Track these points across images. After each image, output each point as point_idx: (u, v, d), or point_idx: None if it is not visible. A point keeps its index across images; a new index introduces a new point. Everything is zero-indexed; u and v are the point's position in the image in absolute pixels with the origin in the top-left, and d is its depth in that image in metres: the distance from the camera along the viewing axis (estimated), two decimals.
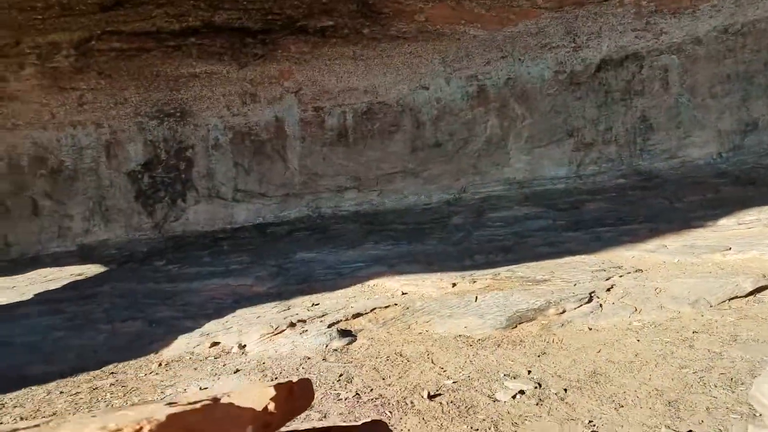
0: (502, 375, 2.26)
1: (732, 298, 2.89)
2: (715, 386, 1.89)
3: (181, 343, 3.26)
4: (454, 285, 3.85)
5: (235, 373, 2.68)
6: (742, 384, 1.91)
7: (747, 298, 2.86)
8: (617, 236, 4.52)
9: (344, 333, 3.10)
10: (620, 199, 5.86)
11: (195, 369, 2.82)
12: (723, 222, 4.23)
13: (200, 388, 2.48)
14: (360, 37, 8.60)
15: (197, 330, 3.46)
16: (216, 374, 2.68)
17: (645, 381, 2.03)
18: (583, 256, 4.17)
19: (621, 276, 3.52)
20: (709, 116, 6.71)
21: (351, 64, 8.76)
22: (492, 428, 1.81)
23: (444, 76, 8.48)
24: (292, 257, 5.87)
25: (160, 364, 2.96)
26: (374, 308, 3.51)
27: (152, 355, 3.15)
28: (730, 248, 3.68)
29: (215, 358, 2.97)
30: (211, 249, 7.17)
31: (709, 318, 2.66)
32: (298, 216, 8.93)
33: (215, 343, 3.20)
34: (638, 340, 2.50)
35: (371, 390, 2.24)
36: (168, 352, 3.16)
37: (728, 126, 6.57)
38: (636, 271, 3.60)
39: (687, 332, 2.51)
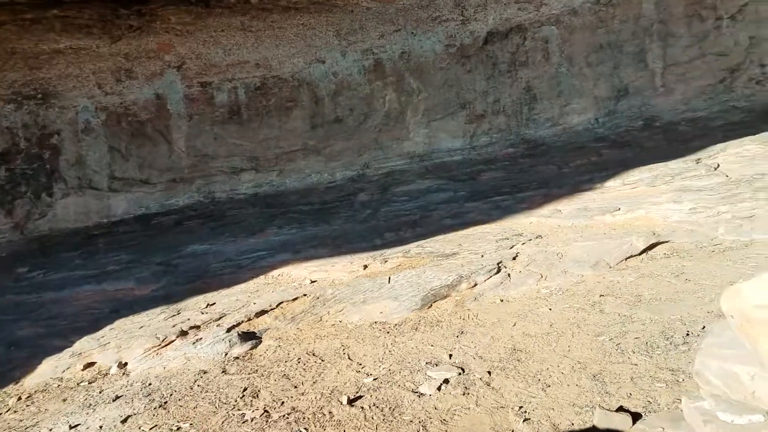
0: (424, 363, 2.14)
1: (628, 258, 3.05)
2: (633, 352, 1.91)
3: (48, 368, 2.74)
4: (365, 267, 3.68)
5: (114, 401, 2.27)
6: (658, 348, 1.94)
7: (641, 257, 3.03)
8: (515, 204, 4.64)
9: (246, 336, 2.79)
10: (512, 168, 6.06)
11: (64, 400, 2.37)
12: (610, 184, 4.50)
13: (70, 427, 2.05)
14: (248, 7, 7.94)
15: (67, 349, 2.93)
16: (90, 405, 2.27)
17: (565, 353, 2.01)
18: (485, 226, 4.23)
19: (523, 243, 3.59)
20: (586, 84, 7.15)
21: (240, 36, 8.10)
22: (421, 430, 1.67)
23: (339, 50, 8.15)
24: (182, 251, 5.27)
25: (19, 398, 2.45)
26: (280, 302, 3.22)
27: (10, 386, 2.61)
28: (619, 208, 3.92)
29: (90, 384, 2.53)
30: (83, 248, 6.26)
31: (611, 280, 2.76)
32: (187, 203, 8.18)
33: (89, 364, 2.73)
34: (550, 309, 2.51)
35: (282, 403, 2.00)
36: (31, 381, 2.63)
37: (603, 92, 7.06)
38: (536, 237, 3.69)
39: (594, 296, 2.58)
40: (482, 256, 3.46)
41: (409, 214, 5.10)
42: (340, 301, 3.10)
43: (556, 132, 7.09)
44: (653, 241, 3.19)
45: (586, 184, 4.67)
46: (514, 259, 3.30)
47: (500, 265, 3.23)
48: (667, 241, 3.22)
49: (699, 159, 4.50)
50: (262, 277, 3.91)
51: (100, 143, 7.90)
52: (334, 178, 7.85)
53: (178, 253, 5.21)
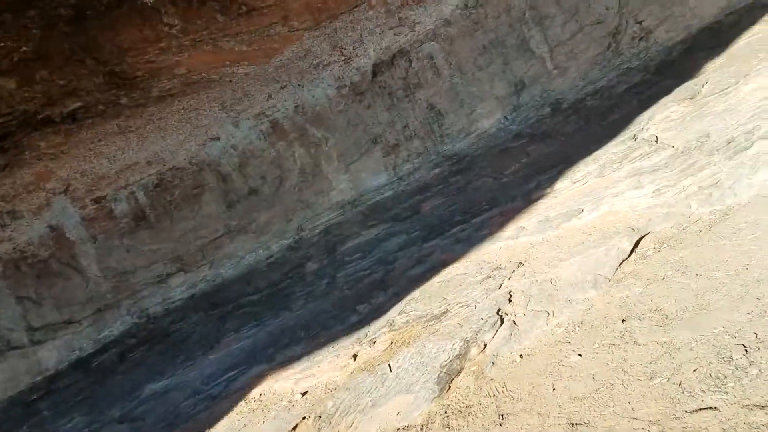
0: None
1: (621, 263, 2.82)
2: (703, 392, 1.62)
3: None
4: (355, 357, 3.26)
5: None
6: (726, 378, 1.65)
7: (633, 258, 2.81)
8: (475, 232, 4.39)
9: None
10: (449, 190, 5.83)
11: None
12: (559, 186, 4.31)
13: None
14: (120, 109, 7.43)
15: None
16: None
17: (630, 414, 1.68)
18: (457, 265, 3.95)
19: (509, 278, 3.33)
20: (483, 87, 7.10)
21: (120, 140, 7.53)
22: None
23: (231, 122, 7.73)
24: (140, 394, 4.61)
25: None
26: None
27: None
28: (582, 210, 3.71)
29: None
30: (27, 423, 5.42)
31: (620, 296, 2.53)
32: (123, 330, 7.44)
33: None
34: (580, 355, 2.23)
35: None
36: None
37: (502, 90, 7.03)
38: (518, 266, 3.43)
39: (616, 323, 2.32)
40: (476, 306, 3.19)
41: (370, 273, 4.73)
42: (346, 412, 2.69)
43: (472, 140, 6.97)
44: (636, 237, 3.03)
45: (535, 191, 4.48)
46: (510, 301, 3.06)
47: (500, 313, 2.99)
48: (648, 233, 3.03)
49: (634, 135, 4.40)
50: (242, 402, 3.40)
51: (4, 297, 7.06)
52: (271, 252, 7.35)
53: (137, 398, 4.55)
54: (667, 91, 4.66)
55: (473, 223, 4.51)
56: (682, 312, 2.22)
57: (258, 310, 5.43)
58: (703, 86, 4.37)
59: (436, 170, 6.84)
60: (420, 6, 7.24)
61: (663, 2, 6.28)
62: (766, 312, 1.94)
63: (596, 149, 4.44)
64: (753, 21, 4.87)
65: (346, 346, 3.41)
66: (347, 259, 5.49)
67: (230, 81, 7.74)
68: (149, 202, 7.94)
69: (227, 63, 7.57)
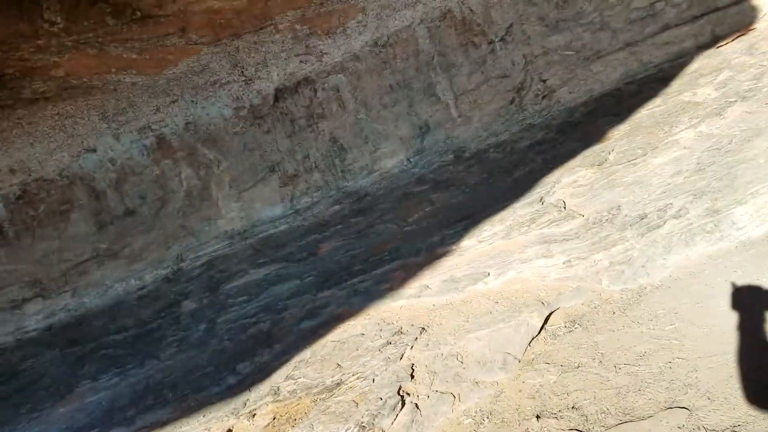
0: None
1: (531, 341, 2.53)
2: None
3: None
4: None
5: None
6: None
7: (543, 336, 2.54)
8: (374, 285, 4.04)
9: None
10: (348, 232, 5.44)
11: None
12: (465, 243, 4.08)
13: None
14: None
15: None
16: None
17: None
18: (353, 322, 3.61)
19: (411, 347, 3.05)
20: (387, 126, 6.90)
21: None
22: None
23: (111, 133, 6.92)
24: None
25: None
26: None
27: None
28: (489, 273, 3.50)
29: None
30: None
31: (532, 384, 2.28)
32: None
33: None
34: None
35: None
36: None
37: (406, 132, 6.86)
38: (420, 331, 3.13)
39: (529, 418, 2.00)
40: (374, 380, 2.89)
41: (255, 321, 4.21)
42: None
43: (375, 179, 6.69)
44: (546, 312, 2.84)
45: (440, 246, 4.22)
46: (412, 377, 2.79)
47: (401, 392, 2.72)
48: (558, 308, 2.78)
49: (541, 198, 4.27)
50: None
51: None
52: (143, 282, 6.53)
53: None
54: (572, 154, 4.64)
55: (374, 275, 4.19)
56: (603, 415, 2.06)
57: (121, 355, 4.71)
58: (609, 153, 4.38)
59: (336, 207, 6.47)
60: (329, 37, 6.97)
61: (567, 64, 6.46)
62: (699, 429, 1.74)
63: (502, 208, 4.28)
64: (653, 92, 5.01)
65: (220, 416, 2.92)
66: (230, 302, 4.91)
67: (114, 89, 6.97)
68: (9, 216, 6.87)
69: (113, 70, 6.81)
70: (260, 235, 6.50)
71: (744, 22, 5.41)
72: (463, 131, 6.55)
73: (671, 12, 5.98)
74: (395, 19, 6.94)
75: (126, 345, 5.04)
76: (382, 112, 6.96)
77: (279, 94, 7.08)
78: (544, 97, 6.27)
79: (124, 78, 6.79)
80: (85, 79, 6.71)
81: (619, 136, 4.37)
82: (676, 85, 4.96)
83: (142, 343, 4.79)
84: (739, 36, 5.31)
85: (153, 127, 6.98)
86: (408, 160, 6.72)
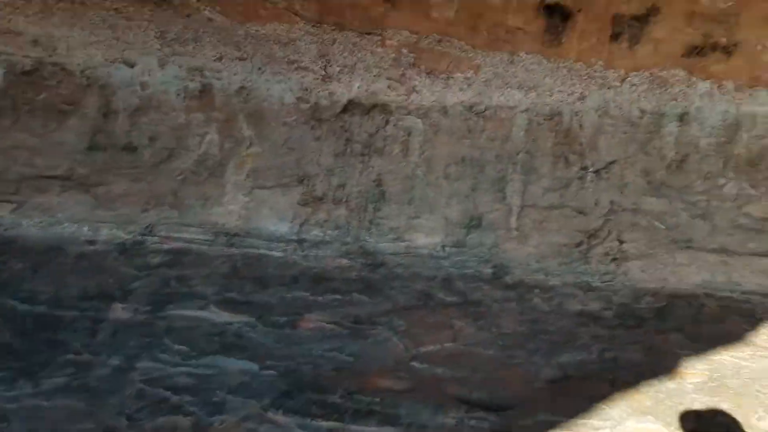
0: None
1: None
2: None
3: None
4: None
5: None
6: None
7: None
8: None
9: None
10: (344, 312, 4.52)
11: None
12: None
13: None
14: None
15: None
16: None
17: None
18: None
19: None
20: (440, 198, 6.15)
21: None
22: None
23: (158, 57, 6.05)
24: None
25: None
26: None
27: None
28: None
29: None
30: None
31: None
32: None
33: None
34: None
35: None
36: None
37: (455, 215, 6.11)
38: None
39: None
40: None
41: (177, 404, 3.11)
42: None
43: (399, 250, 5.92)
44: None
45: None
46: None
47: None
48: None
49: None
50: None
51: None
52: (95, 236, 5.64)
53: None
54: (636, 377, 3.59)
55: None
56: None
57: (12, 346, 3.66)
58: (681, 404, 3.47)
59: (344, 260, 5.67)
60: (429, 77, 6.21)
61: (652, 237, 5.83)
62: None
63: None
64: (738, 330, 4.34)
65: None
66: (164, 345, 3.75)
67: (188, 16, 6.11)
68: (4, 86, 5.90)
69: None
70: (248, 250, 5.66)
71: None
72: (514, 249, 5.82)
73: None
74: (502, 95, 6.20)
75: (21, 324, 3.97)
76: (441, 180, 6.20)
77: (349, 107, 6.28)
78: (614, 260, 5.58)
79: (204, 9, 5.94)
80: None
81: (696, 382, 3.68)
82: (766, 337, 4.30)
83: (35, 341, 3.70)
84: None
85: (206, 73, 6.12)
86: (443, 247, 5.96)
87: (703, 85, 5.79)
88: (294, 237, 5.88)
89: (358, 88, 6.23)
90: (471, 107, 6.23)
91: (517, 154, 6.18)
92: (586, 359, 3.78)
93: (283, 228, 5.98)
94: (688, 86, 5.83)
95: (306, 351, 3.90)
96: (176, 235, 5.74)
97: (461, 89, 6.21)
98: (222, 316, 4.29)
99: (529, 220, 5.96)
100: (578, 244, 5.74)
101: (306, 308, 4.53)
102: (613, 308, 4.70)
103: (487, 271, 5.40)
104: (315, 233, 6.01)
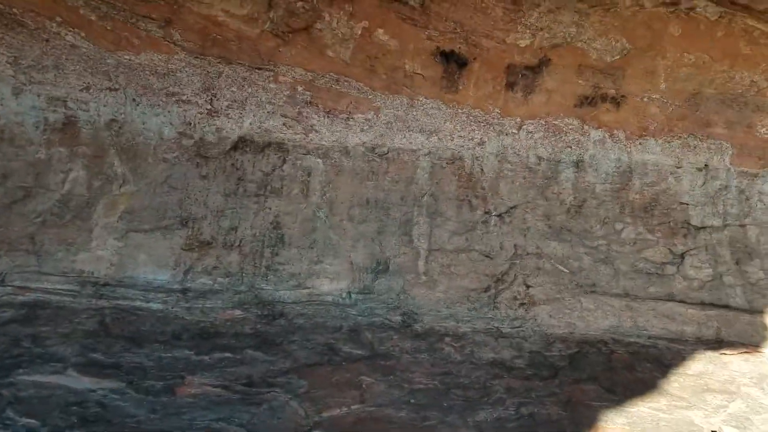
0: None
1: None
2: None
3: None
4: None
5: None
6: None
7: None
8: None
9: None
10: (233, 372, 3.73)
11: None
12: None
13: None
14: None
15: None
16: None
17: None
18: None
19: None
20: (344, 242, 5.68)
21: None
22: None
23: (13, 85, 5.13)
24: None
25: None
26: None
27: None
28: None
29: None
30: None
31: None
32: None
33: None
34: None
35: None
36: None
37: (361, 259, 5.65)
38: None
39: None
40: None
41: None
42: None
43: (301, 297, 5.29)
44: None
45: None
46: None
47: None
48: None
49: None
50: None
51: None
52: None
53: None
54: None
55: None
56: None
57: None
58: None
59: (237, 312, 4.91)
60: (329, 116, 5.91)
61: (558, 281, 5.78)
62: None
63: None
64: (651, 377, 4.21)
65: None
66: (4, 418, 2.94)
67: (47, 41, 5.33)
68: None
69: (59, 18, 5.22)
70: (121, 302, 4.72)
71: (752, 339, 5.01)
72: (423, 295, 5.45)
73: (681, 283, 5.53)
74: (404, 137, 6.04)
75: None
76: (345, 223, 5.77)
77: (240, 144, 5.74)
78: (522, 305, 5.41)
79: (67, 34, 5.20)
80: (16, 12, 5.07)
81: None
82: (678, 385, 4.22)
83: None
84: (745, 353, 4.84)
85: (70, 104, 5.29)
86: (350, 294, 5.43)
87: (596, 134, 6.08)
88: (176, 286, 5.04)
89: (250, 124, 5.74)
90: (373, 149, 5.98)
91: (422, 196, 5.96)
92: (503, 416, 3.38)
93: (163, 276, 5.12)
94: (581, 134, 6.09)
95: (186, 423, 3.07)
96: (33, 285, 4.66)
97: (362, 130, 5.97)
98: (82, 382, 3.32)
99: (436, 264, 5.66)
100: (486, 289, 5.52)
101: (189, 370, 3.70)
102: (525, 356, 4.42)
103: (397, 318, 4.93)
104: (202, 281, 5.20)
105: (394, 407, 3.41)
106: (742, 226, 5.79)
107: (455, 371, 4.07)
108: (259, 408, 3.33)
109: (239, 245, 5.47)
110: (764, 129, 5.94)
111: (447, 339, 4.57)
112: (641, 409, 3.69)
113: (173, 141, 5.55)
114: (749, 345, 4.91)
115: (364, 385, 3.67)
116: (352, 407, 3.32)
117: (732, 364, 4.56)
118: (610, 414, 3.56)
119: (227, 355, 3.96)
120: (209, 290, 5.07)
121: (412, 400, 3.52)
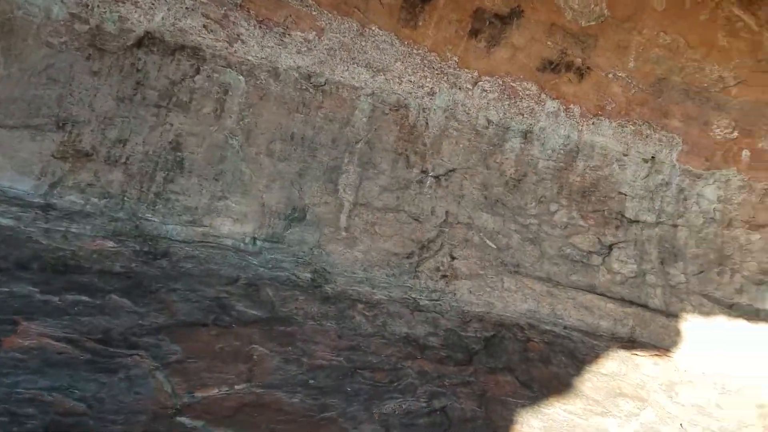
0: None
1: None
2: None
3: None
4: None
5: None
6: None
7: None
8: None
9: None
10: (89, 321, 2.95)
11: None
12: None
13: None
14: None
15: None
16: None
17: None
18: None
19: None
20: (258, 179, 4.88)
21: None
22: None
23: None
24: None
25: None
26: None
27: None
28: None
29: None
30: None
31: None
32: None
33: None
34: None
35: None
36: None
37: (275, 202, 4.90)
38: None
39: None
40: None
41: None
42: None
43: (194, 236, 4.48)
44: None
45: None
46: None
47: None
48: None
49: None
50: None
51: None
52: None
53: None
54: None
55: None
56: None
57: None
58: None
59: (110, 244, 4.01)
60: (261, 28, 4.93)
61: (483, 256, 5.35)
62: None
63: None
64: (565, 374, 3.97)
65: None
66: None
67: None
68: None
69: None
70: None
71: (664, 342, 4.97)
72: (340, 253, 4.84)
73: (604, 276, 5.35)
74: (347, 70, 5.22)
75: None
76: (262, 157, 4.94)
77: (146, 42, 4.63)
78: (444, 276, 4.98)
79: None
80: None
81: None
82: (592, 385, 4.03)
83: None
84: (656, 355, 4.78)
85: None
86: (254, 240, 4.70)
87: (551, 104, 5.61)
88: (37, 200, 4.05)
89: (163, 19, 4.65)
90: (309, 77, 5.12)
91: (357, 142, 5.25)
92: (413, 408, 2.94)
93: (22, 186, 4.09)
94: (536, 103, 5.59)
95: (3, 391, 2.28)
96: None
97: (299, 52, 5.06)
98: None
99: (360, 221, 5.05)
100: (409, 255, 5.02)
101: (27, 313, 2.86)
102: (441, 334, 4.01)
103: (306, 275, 4.30)
104: (71, 199, 4.23)
105: (288, 390, 2.84)
106: (674, 226, 5.70)
107: (364, 346, 3.58)
108: (112, 377, 2.61)
109: (125, 162, 4.50)
110: (719, 130, 5.76)
111: (359, 306, 4.04)
112: (557, 410, 3.44)
113: (62, 23, 4.37)
114: (660, 348, 4.89)
115: (255, 357, 3.05)
116: (236, 387, 2.69)
117: (643, 366, 4.48)
118: (526, 415, 3.27)
119: (84, 298, 3.15)
120: (78, 211, 4.13)
121: (311, 381, 2.97)
